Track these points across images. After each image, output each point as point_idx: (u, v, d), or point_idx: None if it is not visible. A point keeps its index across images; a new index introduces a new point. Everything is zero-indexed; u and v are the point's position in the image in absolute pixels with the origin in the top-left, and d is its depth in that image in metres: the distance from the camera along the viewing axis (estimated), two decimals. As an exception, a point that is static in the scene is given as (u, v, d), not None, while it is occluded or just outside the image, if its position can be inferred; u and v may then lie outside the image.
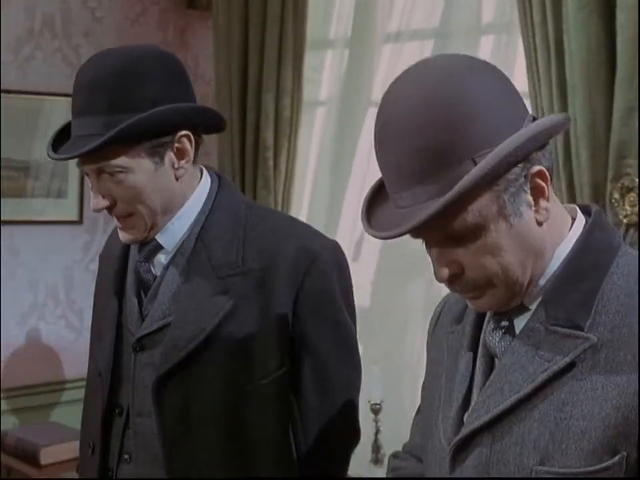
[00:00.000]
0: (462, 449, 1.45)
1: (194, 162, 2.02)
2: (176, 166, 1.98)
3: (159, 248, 2.06)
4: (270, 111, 3.95)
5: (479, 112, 1.34)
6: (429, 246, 1.42)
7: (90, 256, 4.48)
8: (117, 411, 2.08)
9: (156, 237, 2.04)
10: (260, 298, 1.99)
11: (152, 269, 2.08)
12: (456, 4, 3.47)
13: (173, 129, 1.96)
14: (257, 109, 4.02)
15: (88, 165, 1.96)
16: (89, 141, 1.88)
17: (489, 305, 1.45)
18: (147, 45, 2.10)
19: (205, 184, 2.07)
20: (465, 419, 1.46)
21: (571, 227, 1.46)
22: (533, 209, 1.39)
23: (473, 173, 1.31)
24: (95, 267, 4.47)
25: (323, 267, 2.04)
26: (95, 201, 1.99)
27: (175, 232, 2.04)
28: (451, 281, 1.42)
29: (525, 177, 1.37)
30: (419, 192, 1.35)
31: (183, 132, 1.97)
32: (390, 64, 3.69)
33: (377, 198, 1.45)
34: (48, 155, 1.99)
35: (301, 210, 3.99)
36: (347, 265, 2.13)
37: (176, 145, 1.97)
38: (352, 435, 2.15)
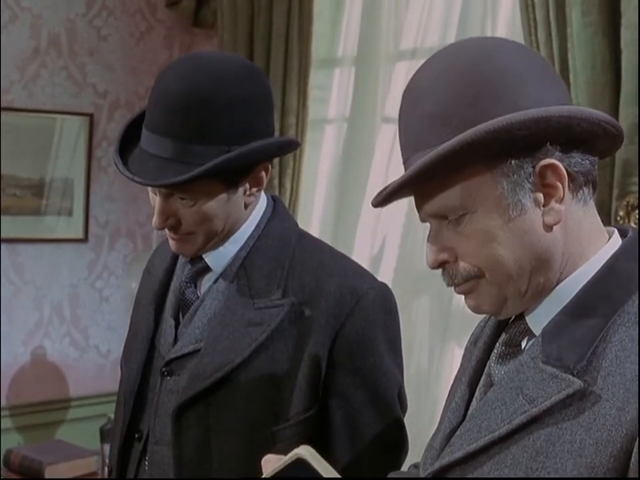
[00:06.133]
0: None
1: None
2: (247, 193, 1.91)
3: (206, 269, 1.97)
4: (275, 129, 3.94)
5: (497, 86, 1.28)
6: (428, 225, 1.37)
7: (95, 274, 4.48)
8: (136, 436, 1.99)
9: (205, 258, 1.96)
10: (296, 334, 1.87)
11: (197, 290, 1.99)
12: (469, 22, 3.48)
13: (257, 163, 1.89)
14: (262, 127, 4.01)
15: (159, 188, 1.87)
16: (168, 167, 1.80)
17: (480, 304, 1.36)
18: (239, 62, 1.91)
19: (260, 207, 1.98)
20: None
21: (601, 249, 1.33)
22: (542, 208, 1.29)
23: (455, 140, 1.25)
24: (100, 284, 4.52)
25: (368, 309, 1.89)
26: (159, 220, 1.87)
27: (224, 254, 1.95)
28: (442, 268, 1.36)
29: (533, 167, 1.28)
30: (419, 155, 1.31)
31: (264, 164, 1.91)
32: (405, 81, 3.70)
33: None
34: (118, 168, 1.87)
35: (309, 229, 3.97)
36: (396, 310, 1.96)
37: (253, 175, 1.90)
38: None
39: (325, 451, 1.85)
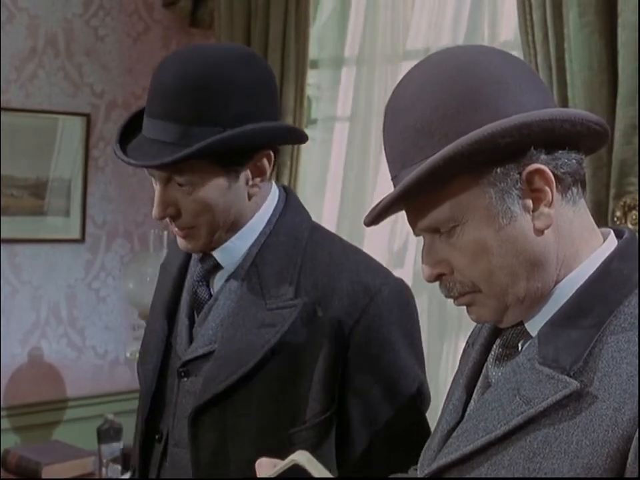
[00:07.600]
0: None
1: (269, 179, 1.91)
2: (250, 183, 1.86)
3: (217, 267, 1.94)
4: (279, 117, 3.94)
5: (477, 96, 1.28)
6: (422, 239, 1.38)
7: (92, 274, 4.48)
8: (156, 437, 1.97)
9: (214, 255, 1.92)
10: (310, 334, 1.83)
11: (209, 288, 1.95)
12: (478, 24, 3.50)
13: (256, 149, 1.84)
14: (260, 127, 4.01)
15: (157, 172, 1.83)
16: (164, 150, 1.78)
17: (482, 315, 1.37)
18: (238, 49, 1.92)
19: (271, 201, 1.93)
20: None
21: (597, 250, 1.34)
22: (532, 213, 1.30)
23: (438, 155, 1.26)
24: (97, 285, 4.52)
25: (382, 307, 1.85)
26: (158, 209, 1.84)
27: (234, 251, 1.91)
28: (439, 280, 1.37)
29: (519, 174, 1.28)
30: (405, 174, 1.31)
31: (265, 151, 1.85)
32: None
33: None
34: (116, 154, 1.85)
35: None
36: (413, 304, 1.93)
37: (254, 162, 1.85)
38: None
39: (343, 449, 1.86)
